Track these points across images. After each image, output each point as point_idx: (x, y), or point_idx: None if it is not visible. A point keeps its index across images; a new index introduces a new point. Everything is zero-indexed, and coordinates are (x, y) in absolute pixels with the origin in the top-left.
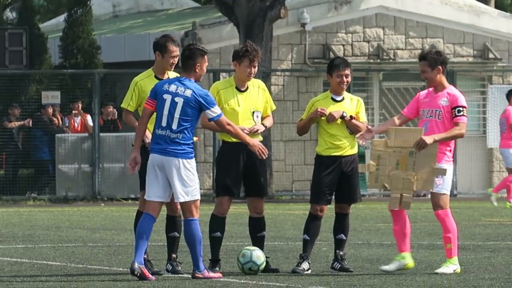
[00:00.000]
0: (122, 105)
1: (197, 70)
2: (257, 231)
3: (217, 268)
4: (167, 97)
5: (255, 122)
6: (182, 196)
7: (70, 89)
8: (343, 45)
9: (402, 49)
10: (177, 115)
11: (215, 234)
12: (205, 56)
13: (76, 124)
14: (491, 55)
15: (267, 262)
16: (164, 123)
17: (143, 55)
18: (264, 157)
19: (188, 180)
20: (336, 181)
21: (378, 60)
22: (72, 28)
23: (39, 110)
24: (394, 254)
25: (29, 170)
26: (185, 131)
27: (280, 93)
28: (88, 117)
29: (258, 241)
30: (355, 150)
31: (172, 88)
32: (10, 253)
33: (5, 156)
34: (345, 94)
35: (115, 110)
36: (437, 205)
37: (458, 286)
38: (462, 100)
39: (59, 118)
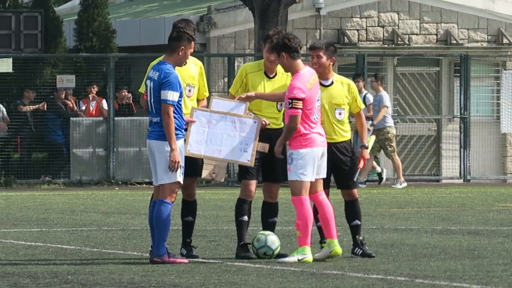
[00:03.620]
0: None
1: (180, 53)
2: (269, 216)
3: (247, 254)
4: (148, 83)
5: (278, 111)
6: (162, 178)
7: (85, 72)
8: (358, 30)
9: (416, 34)
10: (151, 99)
11: (242, 218)
12: (192, 43)
13: (91, 108)
14: (505, 40)
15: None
16: (149, 108)
17: (158, 39)
18: (173, 170)
19: (168, 162)
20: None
21: (393, 45)
22: (87, 11)
23: (54, 94)
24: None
25: (43, 153)
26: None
27: None
28: (103, 101)
29: (269, 227)
30: (347, 137)
31: (151, 73)
32: (24, 237)
33: (19, 140)
34: (335, 77)
35: (130, 94)
36: (292, 192)
37: (472, 271)
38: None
39: (73, 101)
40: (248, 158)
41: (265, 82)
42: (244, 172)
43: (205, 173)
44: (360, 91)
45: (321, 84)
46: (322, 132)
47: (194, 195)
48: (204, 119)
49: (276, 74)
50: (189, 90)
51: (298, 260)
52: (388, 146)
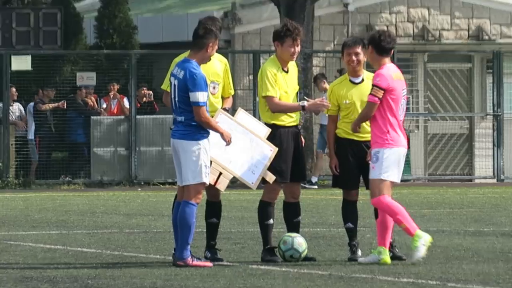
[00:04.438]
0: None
1: (208, 50)
2: (293, 216)
3: (274, 257)
4: (172, 80)
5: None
6: (187, 178)
7: (105, 70)
8: (387, 26)
9: (447, 30)
10: (176, 98)
11: (268, 222)
12: (217, 40)
13: (112, 107)
14: None
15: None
16: (173, 106)
17: (181, 35)
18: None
19: (194, 163)
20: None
21: (423, 41)
22: (108, 8)
23: (73, 92)
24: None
25: (63, 153)
26: (188, 113)
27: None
28: (125, 99)
29: (294, 227)
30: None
31: (175, 70)
32: (43, 239)
33: (38, 140)
34: (365, 74)
35: (151, 92)
36: (373, 192)
37: (506, 274)
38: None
39: (93, 99)
40: (253, 180)
41: (284, 77)
42: (274, 174)
43: (210, 178)
44: (324, 90)
45: (351, 81)
46: (404, 133)
47: (218, 196)
48: (227, 126)
49: (288, 68)
50: (214, 87)
51: (423, 244)
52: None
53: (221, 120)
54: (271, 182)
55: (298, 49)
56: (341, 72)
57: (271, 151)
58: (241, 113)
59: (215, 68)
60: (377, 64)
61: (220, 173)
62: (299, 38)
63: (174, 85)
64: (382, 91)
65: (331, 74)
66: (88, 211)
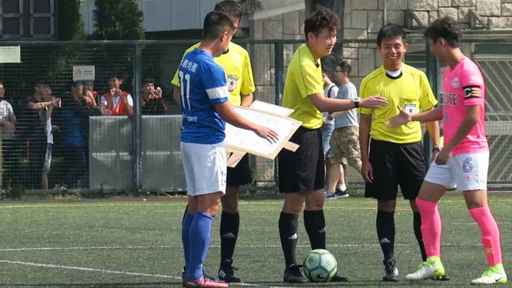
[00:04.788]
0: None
1: (223, 39)
2: (318, 227)
3: (299, 277)
4: (181, 75)
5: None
6: (201, 187)
7: (106, 63)
8: (428, 11)
9: (497, 16)
10: (187, 95)
11: (291, 237)
12: (234, 29)
13: (114, 105)
14: None
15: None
16: (183, 105)
17: (193, 23)
18: (274, 141)
19: (209, 169)
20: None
21: (469, 29)
22: None
23: (69, 89)
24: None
25: (57, 158)
26: (201, 113)
27: (353, 68)
28: (128, 97)
29: (319, 239)
30: (417, 138)
31: (185, 63)
32: (34, 257)
33: (29, 143)
34: (404, 67)
35: (159, 88)
36: (472, 203)
37: None
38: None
39: (92, 96)
40: (270, 151)
41: (316, 71)
42: (300, 183)
43: None
44: (325, 85)
45: (388, 75)
46: None
47: (235, 207)
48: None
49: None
50: (231, 83)
51: (496, 280)
52: (353, 150)
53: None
54: (293, 150)
55: (334, 40)
56: (342, 65)
57: (292, 124)
58: (257, 103)
59: (233, 61)
60: (451, 58)
61: (231, 153)
62: (336, 28)
63: (185, 80)
64: (480, 89)
65: (365, 67)
66: (86, 225)
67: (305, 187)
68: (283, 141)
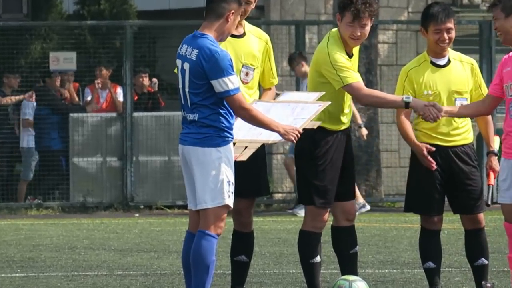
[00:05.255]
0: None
1: (229, 19)
2: (348, 246)
3: None
4: (179, 64)
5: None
6: (203, 200)
7: (90, 49)
8: None
9: None
10: (186, 88)
11: (313, 260)
12: (241, 8)
13: (100, 100)
14: None
15: None
16: (182, 100)
17: (194, 0)
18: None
19: (213, 178)
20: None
21: None
22: None
23: (44, 80)
24: None
25: None
26: (203, 110)
27: (391, 55)
28: (118, 90)
29: (349, 262)
30: (468, 139)
31: (183, 49)
32: (4, 285)
33: None
34: (451, 54)
35: (155, 79)
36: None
37: None
38: None
39: (73, 90)
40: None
41: (350, 62)
42: (321, 196)
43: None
44: (303, 76)
45: (433, 64)
46: None
47: (250, 225)
48: (262, 109)
49: (352, 52)
50: (246, 74)
51: None
52: None
53: (256, 107)
54: (314, 127)
55: (363, 32)
56: (291, 59)
57: (319, 106)
58: (285, 94)
59: (251, 46)
60: None
61: (246, 147)
62: (365, 17)
63: (184, 70)
64: None
65: (405, 54)
66: (66, 246)
67: (322, 200)
68: (304, 123)
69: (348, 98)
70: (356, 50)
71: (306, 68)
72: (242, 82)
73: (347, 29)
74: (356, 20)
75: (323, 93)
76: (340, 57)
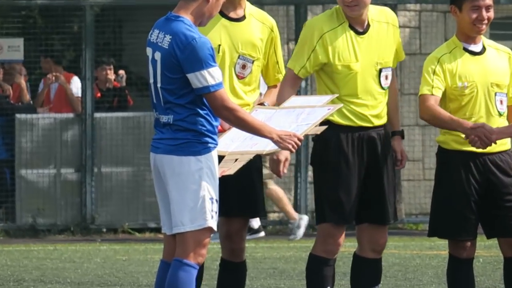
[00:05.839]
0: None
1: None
2: (370, 283)
3: None
4: (149, 53)
5: (382, 88)
6: (181, 222)
7: (41, 34)
8: None
9: None
10: (158, 83)
11: None
12: None
13: (51, 95)
14: None
15: None
16: (154, 98)
17: None
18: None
19: (193, 194)
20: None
21: None
22: None
23: None
24: None
25: None
26: (180, 110)
27: (413, 42)
28: (74, 83)
29: None
30: (507, 145)
31: (154, 35)
32: None
33: None
34: (485, 41)
35: (122, 71)
36: None
37: None
38: None
39: (23, 85)
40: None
41: (353, 41)
42: (332, 213)
43: (219, 170)
44: None
45: (466, 50)
46: None
47: (242, 253)
48: (263, 117)
49: (369, 25)
50: (243, 66)
51: None
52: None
53: (256, 114)
54: (318, 133)
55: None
56: None
57: (328, 109)
58: (293, 99)
59: (251, 33)
60: None
61: (236, 159)
62: None
63: (155, 60)
64: None
65: (430, 40)
66: (11, 278)
67: (334, 215)
68: (307, 129)
69: (370, 86)
70: (378, 23)
71: None
72: (237, 76)
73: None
74: None
75: (336, 95)
76: (300, 46)
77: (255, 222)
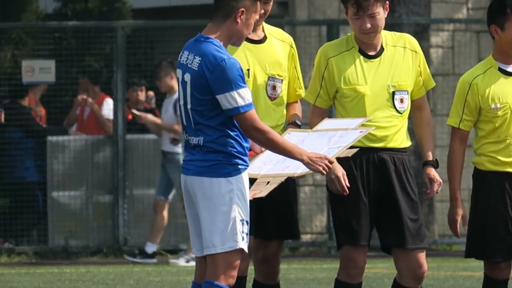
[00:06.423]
0: None
1: (238, 19)
2: None
3: None
4: (179, 75)
5: (398, 112)
6: (211, 243)
7: (73, 55)
8: None
9: None
10: (188, 105)
11: None
12: (258, 4)
13: (85, 117)
14: None
15: None
16: (184, 120)
17: None
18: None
19: (223, 216)
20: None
21: None
22: None
23: (17, 94)
24: None
25: (0, 200)
26: (210, 131)
27: (447, 62)
28: (107, 104)
29: None
30: None
31: (184, 57)
32: None
33: None
34: None
35: (152, 93)
36: None
37: None
38: None
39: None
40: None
41: (363, 64)
42: (337, 232)
43: (251, 193)
44: (169, 92)
45: (501, 71)
46: None
47: (276, 275)
48: (296, 140)
49: (382, 49)
50: (273, 87)
51: None
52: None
53: (289, 137)
54: (350, 155)
55: (370, 23)
56: (158, 67)
57: (360, 132)
58: (326, 121)
59: (275, 52)
60: None
61: (268, 182)
62: (371, 2)
63: (185, 82)
64: None
65: (464, 60)
66: None
67: (348, 237)
68: (340, 150)
69: (382, 109)
70: (391, 47)
71: (174, 81)
72: (269, 98)
73: (353, 22)
74: (361, 10)
75: (369, 118)
76: (314, 74)
77: (150, 247)
